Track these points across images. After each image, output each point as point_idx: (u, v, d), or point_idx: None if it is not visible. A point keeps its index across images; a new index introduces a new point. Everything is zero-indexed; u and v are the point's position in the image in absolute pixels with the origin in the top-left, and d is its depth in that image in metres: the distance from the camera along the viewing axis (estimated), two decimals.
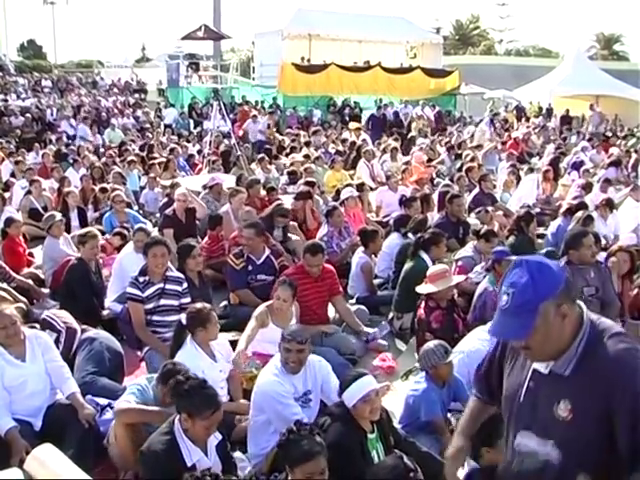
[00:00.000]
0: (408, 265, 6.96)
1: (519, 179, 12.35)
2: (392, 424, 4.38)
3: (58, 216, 8.33)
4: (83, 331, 5.84)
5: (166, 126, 22.63)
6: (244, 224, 7.45)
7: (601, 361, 2.31)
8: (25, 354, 4.71)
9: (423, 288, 6.02)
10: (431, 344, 4.82)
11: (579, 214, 8.26)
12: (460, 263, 7.26)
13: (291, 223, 8.76)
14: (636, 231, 9.16)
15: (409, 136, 19.97)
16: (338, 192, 10.27)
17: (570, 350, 2.35)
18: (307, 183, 10.54)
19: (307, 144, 16.75)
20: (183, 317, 5.08)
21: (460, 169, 13.65)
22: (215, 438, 3.88)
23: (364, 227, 8.13)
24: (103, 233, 8.75)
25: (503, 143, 18.52)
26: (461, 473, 3.50)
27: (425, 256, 6.93)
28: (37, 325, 5.63)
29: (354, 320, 6.62)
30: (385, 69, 28.07)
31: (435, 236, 7.05)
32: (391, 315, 6.98)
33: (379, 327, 6.67)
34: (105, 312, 6.80)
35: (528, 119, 26.25)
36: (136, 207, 11.40)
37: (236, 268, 6.81)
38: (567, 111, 24.70)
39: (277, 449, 3.52)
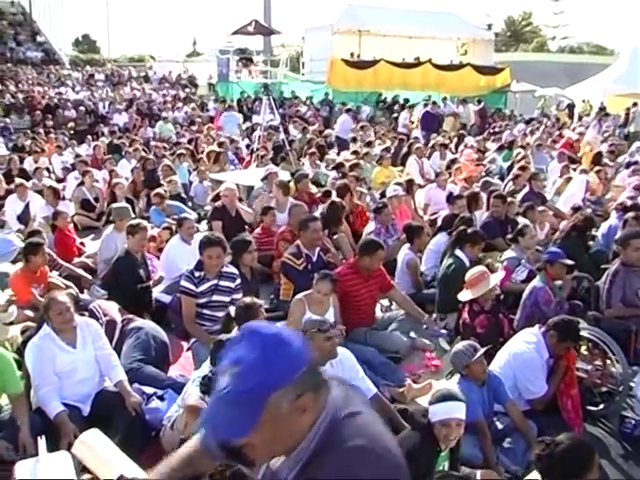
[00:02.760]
0: (445, 264, 6.93)
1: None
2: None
3: (130, 211, 8.48)
4: (130, 320, 5.96)
5: (211, 118, 22.87)
6: (306, 216, 7.41)
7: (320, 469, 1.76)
8: (76, 341, 4.85)
9: (463, 295, 5.98)
10: (460, 345, 4.79)
11: (630, 214, 8.07)
12: (505, 264, 7.17)
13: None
14: None
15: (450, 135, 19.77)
16: (384, 193, 10.22)
17: (300, 448, 1.79)
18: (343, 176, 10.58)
19: (354, 140, 16.70)
20: (232, 309, 5.12)
21: (510, 168, 13.48)
22: None
23: (409, 222, 8.09)
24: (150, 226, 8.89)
25: (554, 142, 18.20)
26: None
27: (461, 254, 6.90)
28: (86, 313, 5.77)
29: (415, 309, 6.60)
30: (435, 65, 27.83)
31: (471, 235, 7.00)
32: (434, 315, 6.96)
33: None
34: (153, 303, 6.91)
35: (580, 118, 25.74)
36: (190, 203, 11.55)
37: (299, 269, 6.77)
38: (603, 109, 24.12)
39: None
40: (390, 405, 4.63)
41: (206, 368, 4.40)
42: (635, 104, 23.75)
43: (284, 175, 10.95)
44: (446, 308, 6.80)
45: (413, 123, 22.33)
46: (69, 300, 4.85)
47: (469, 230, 7.12)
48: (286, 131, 17.60)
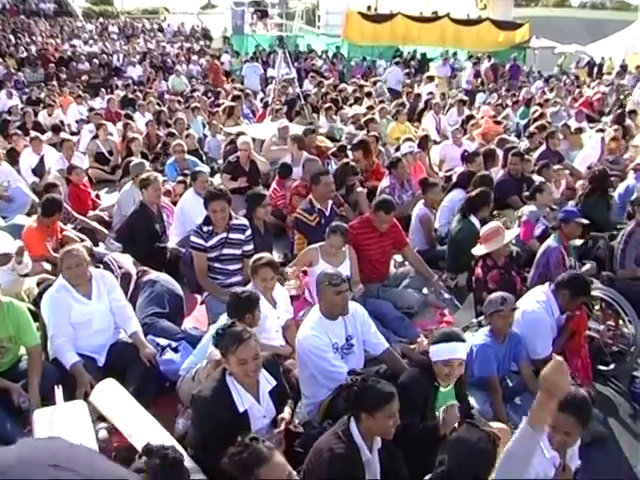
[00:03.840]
0: (456, 227, 6.92)
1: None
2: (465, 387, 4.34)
3: (147, 166, 8.45)
4: (144, 273, 6.00)
5: (227, 73, 22.67)
6: (317, 170, 7.36)
7: None
8: (91, 292, 4.90)
9: (477, 250, 5.99)
10: (494, 295, 4.83)
11: None
12: (524, 219, 7.12)
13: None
14: None
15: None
16: (398, 148, 10.13)
17: None
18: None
19: (368, 95, 16.53)
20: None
21: (527, 125, 13.32)
22: (268, 384, 3.92)
23: (425, 176, 8.05)
24: (164, 180, 8.88)
25: (574, 100, 17.90)
26: None
27: (474, 219, 6.86)
28: (101, 265, 5.82)
29: (425, 268, 6.60)
30: (453, 20, 27.23)
31: (481, 197, 6.96)
32: (445, 275, 6.98)
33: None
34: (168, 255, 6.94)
35: (602, 76, 25.25)
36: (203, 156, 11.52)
37: (312, 225, 6.76)
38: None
39: (343, 398, 3.52)
40: (401, 360, 4.66)
41: (223, 321, 4.44)
42: None
43: (298, 129, 10.87)
44: (454, 269, 6.86)
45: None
46: (83, 254, 4.87)
47: (477, 193, 7.06)
48: (301, 85, 17.43)
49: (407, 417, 3.69)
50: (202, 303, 6.13)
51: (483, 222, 6.62)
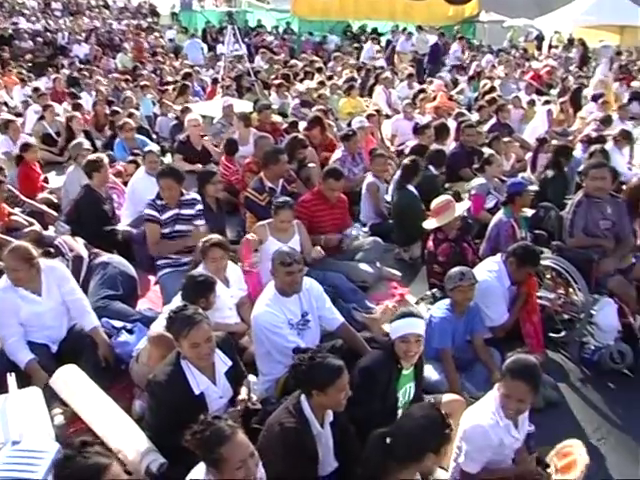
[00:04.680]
0: (396, 199, 7.02)
1: None
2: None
3: (86, 144, 8.25)
4: (96, 255, 5.90)
5: (176, 51, 22.29)
6: (272, 149, 7.31)
7: None
8: (41, 288, 4.73)
9: (428, 223, 6.07)
10: (454, 269, 4.90)
11: (596, 146, 8.14)
12: (474, 192, 7.23)
13: (308, 149, 8.70)
14: None
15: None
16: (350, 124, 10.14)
17: None
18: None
19: (319, 70, 16.44)
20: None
21: (477, 99, 13.44)
22: (224, 364, 3.91)
23: (375, 147, 8.09)
24: (113, 160, 8.73)
25: (523, 73, 18.10)
26: None
27: (411, 187, 7.03)
28: (52, 249, 5.70)
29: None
30: None
31: (417, 164, 7.15)
32: (397, 250, 7.06)
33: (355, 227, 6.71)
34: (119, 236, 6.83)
35: (550, 49, 25.55)
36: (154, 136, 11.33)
37: (262, 204, 6.67)
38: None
39: (292, 378, 3.54)
40: (357, 334, 4.70)
41: (177, 302, 4.39)
42: (601, 40, 23.66)
43: (247, 106, 10.77)
44: (403, 241, 6.95)
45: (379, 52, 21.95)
46: (25, 253, 4.62)
47: (409, 162, 7.21)
48: (251, 61, 17.25)
49: (369, 399, 3.74)
50: (156, 283, 6.08)
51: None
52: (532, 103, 12.48)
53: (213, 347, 3.77)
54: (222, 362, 3.91)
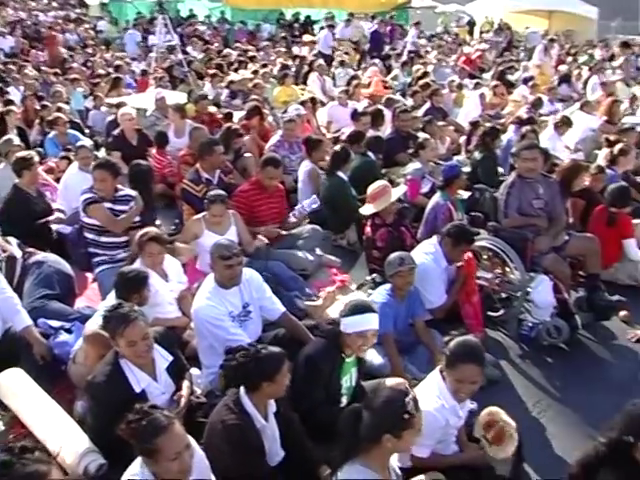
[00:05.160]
0: (326, 186, 7.08)
1: None
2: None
3: (16, 140, 7.98)
4: (30, 255, 5.74)
5: (107, 42, 21.77)
6: (208, 140, 7.25)
7: None
8: None
9: (365, 209, 6.12)
10: (393, 255, 4.93)
11: (526, 128, 8.34)
12: (409, 177, 7.31)
13: (246, 138, 8.63)
14: (582, 143, 9.29)
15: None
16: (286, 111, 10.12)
17: None
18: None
19: (252, 59, 16.33)
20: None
21: (411, 84, 13.56)
22: (165, 360, 3.87)
23: (309, 135, 8.10)
24: (43, 156, 8.49)
25: (457, 58, 18.35)
26: None
27: (341, 174, 7.12)
28: None
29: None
30: None
31: (345, 151, 7.22)
32: (333, 237, 7.12)
33: (310, 200, 6.70)
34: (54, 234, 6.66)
35: (481, 34, 25.95)
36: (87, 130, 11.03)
37: (199, 195, 6.58)
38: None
39: (237, 378, 3.47)
40: (299, 322, 4.70)
41: (112, 300, 4.33)
42: (527, 27, 24.21)
43: (180, 98, 10.61)
44: (337, 228, 7.03)
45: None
46: None
47: (340, 149, 7.29)
48: (184, 52, 16.99)
49: (313, 389, 3.75)
50: (94, 281, 5.96)
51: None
52: (460, 87, 12.68)
53: (150, 344, 3.72)
54: (162, 358, 3.86)
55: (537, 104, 11.06)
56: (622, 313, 6.00)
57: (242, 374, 3.38)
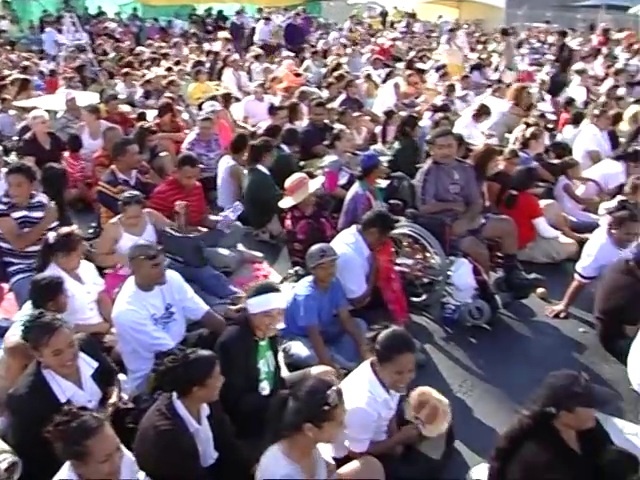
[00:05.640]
0: (246, 180, 7.07)
1: None
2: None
3: None
4: None
5: (12, 42, 20.96)
6: (121, 140, 7.11)
7: None
8: None
9: (283, 202, 6.15)
10: (314, 247, 4.94)
11: (439, 115, 8.50)
12: (327, 169, 7.34)
13: (158, 135, 8.47)
14: (495, 127, 9.54)
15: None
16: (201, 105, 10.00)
17: None
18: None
19: (165, 56, 16.06)
20: (51, 235, 4.86)
21: (326, 76, 13.61)
22: (90, 367, 3.78)
23: (242, 133, 8.03)
24: None
25: (372, 50, 18.51)
26: None
27: (261, 167, 7.12)
28: None
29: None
30: None
31: (265, 144, 7.22)
32: (255, 231, 7.11)
33: (233, 208, 6.68)
34: None
35: (393, 24, 26.29)
36: None
37: (116, 197, 6.34)
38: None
39: (167, 383, 3.41)
40: (222, 320, 4.67)
41: (28, 310, 4.20)
42: (440, 16, 24.70)
43: (92, 98, 10.34)
44: (258, 222, 7.04)
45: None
46: None
47: (261, 140, 7.32)
48: (94, 50, 16.53)
49: (230, 376, 3.72)
50: (10, 291, 5.73)
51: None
52: (369, 77, 12.82)
53: (76, 352, 3.62)
54: (87, 365, 3.76)
55: (450, 91, 11.31)
56: (539, 290, 6.21)
57: (171, 379, 3.33)
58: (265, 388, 4.07)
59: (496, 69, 14.96)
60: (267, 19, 20.47)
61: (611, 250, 5.62)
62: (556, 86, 12.97)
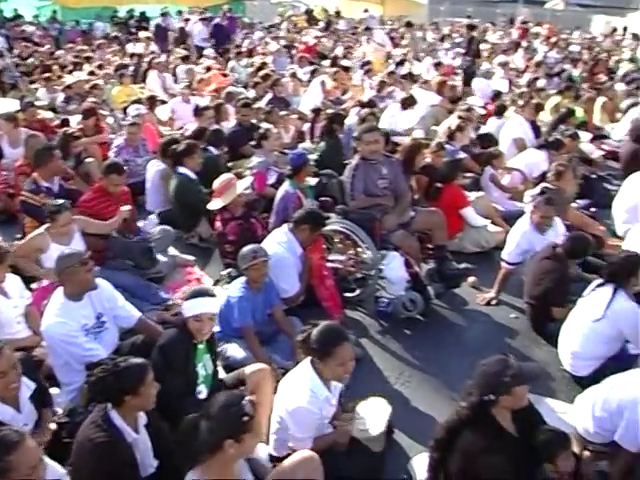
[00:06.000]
0: (172, 184, 7.00)
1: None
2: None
3: None
4: None
5: None
6: (42, 146, 6.88)
7: None
8: None
9: (212, 204, 6.11)
10: (245, 248, 4.92)
11: (365, 111, 8.57)
12: (255, 170, 7.30)
13: (82, 140, 8.27)
14: (422, 120, 9.68)
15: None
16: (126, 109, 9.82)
17: None
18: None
19: (88, 59, 15.70)
20: None
21: (252, 75, 13.55)
22: (28, 389, 3.65)
23: (173, 138, 7.91)
24: None
25: (296, 48, 18.50)
26: None
27: (184, 169, 7.02)
28: None
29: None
30: None
31: (188, 148, 7.10)
32: (185, 235, 7.05)
33: (148, 220, 6.65)
34: None
35: (317, 22, 26.34)
36: None
37: (39, 205, 6.21)
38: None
39: (99, 394, 3.34)
40: (156, 326, 4.61)
41: None
42: (366, 10, 24.90)
43: (12, 105, 10.01)
44: (189, 225, 6.96)
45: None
46: None
47: (181, 145, 7.23)
48: (14, 56, 16.01)
49: (170, 379, 3.68)
50: None
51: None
52: (294, 75, 12.83)
53: (19, 373, 3.51)
54: (26, 387, 3.64)
55: (381, 87, 11.42)
56: (470, 279, 6.34)
57: (102, 390, 3.26)
58: (202, 391, 4.04)
59: (402, 62, 14.95)
60: (203, 19, 20.15)
61: (533, 236, 5.83)
62: (468, 77, 13.28)
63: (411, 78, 11.76)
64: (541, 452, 3.40)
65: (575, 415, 4.05)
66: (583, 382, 4.56)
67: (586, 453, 3.94)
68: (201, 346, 4.06)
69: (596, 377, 4.29)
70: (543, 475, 3.40)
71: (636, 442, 3.56)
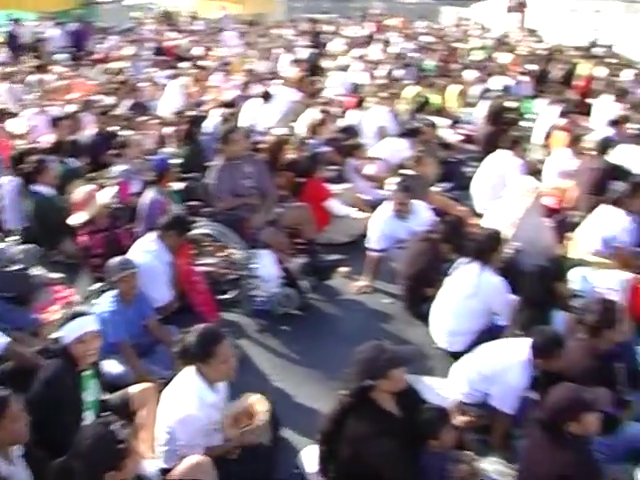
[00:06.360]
0: (28, 203, 6.73)
1: None
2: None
3: None
4: None
5: None
6: None
7: None
8: None
9: (74, 219, 5.93)
10: (112, 261, 4.82)
11: (227, 111, 8.56)
12: (120, 179, 7.10)
13: None
14: (284, 116, 9.76)
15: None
16: None
17: None
18: None
19: None
20: None
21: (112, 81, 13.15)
22: None
23: (20, 152, 7.53)
24: None
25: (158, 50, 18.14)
26: None
27: (39, 187, 6.77)
28: None
29: None
30: None
31: (37, 166, 6.83)
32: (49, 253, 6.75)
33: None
34: None
35: (174, 23, 25.89)
36: None
37: None
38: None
39: None
40: (26, 351, 4.39)
41: None
42: (224, 7, 24.77)
43: None
44: (52, 242, 6.68)
45: None
46: None
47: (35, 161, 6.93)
48: None
49: (59, 413, 3.56)
50: None
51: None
52: (150, 79, 12.62)
53: None
54: None
55: (245, 87, 11.41)
56: (342, 269, 6.48)
57: None
58: (88, 418, 3.86)
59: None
60: (59, 23, 19.31)
61: (394, 223, 6.11)
62: (313, 69, 13.50)
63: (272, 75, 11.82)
64: (424, 430, 3.55)
65: (452, 383, 4.29)
66: (458, 357, 4.76)
67: (465, 419, 4.20)
68: (87, 372, 3.90)
69: (471, 350, 4.58)
70: (428, 451, 3.53)
71: (511, 404, 3.93)
